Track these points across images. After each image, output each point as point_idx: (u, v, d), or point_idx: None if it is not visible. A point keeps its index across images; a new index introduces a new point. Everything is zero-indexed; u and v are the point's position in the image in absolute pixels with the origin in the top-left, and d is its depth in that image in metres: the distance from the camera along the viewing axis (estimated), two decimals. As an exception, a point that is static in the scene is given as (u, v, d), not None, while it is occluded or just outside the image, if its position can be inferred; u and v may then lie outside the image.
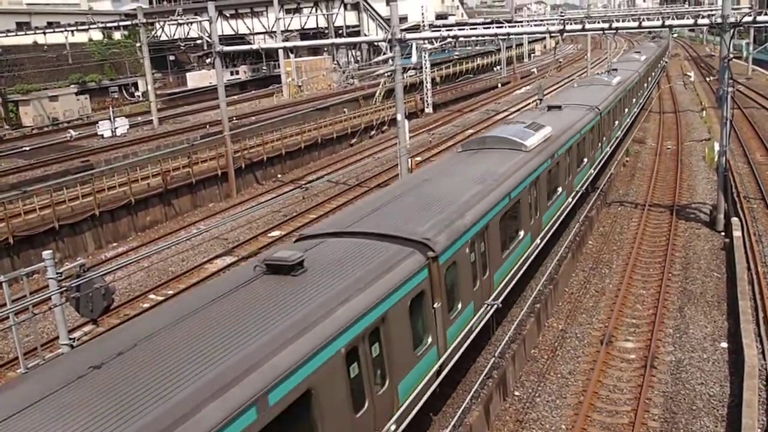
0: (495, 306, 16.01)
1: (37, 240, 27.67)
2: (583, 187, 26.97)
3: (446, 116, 60.62)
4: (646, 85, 53.65)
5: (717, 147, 29.13)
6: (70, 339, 12.52)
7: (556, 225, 22.51)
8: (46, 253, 11.87)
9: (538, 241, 20.27)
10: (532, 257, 19.69)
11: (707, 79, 73.87)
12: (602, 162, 31.73)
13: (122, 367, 8.49)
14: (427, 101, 62.93)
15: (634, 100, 44.31)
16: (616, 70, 42.89)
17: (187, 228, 32.15)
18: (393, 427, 11.36)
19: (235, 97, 65.85)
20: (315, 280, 11.03)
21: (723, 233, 25.55)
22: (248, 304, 10.17)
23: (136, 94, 72.43)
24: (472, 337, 14.85)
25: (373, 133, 52.69)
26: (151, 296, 23.77)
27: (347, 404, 10.13)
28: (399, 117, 30.37)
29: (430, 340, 12.82)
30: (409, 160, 33.25)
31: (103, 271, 12.67)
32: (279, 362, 8.86)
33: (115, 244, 30.60)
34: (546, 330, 19.05)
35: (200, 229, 29.07)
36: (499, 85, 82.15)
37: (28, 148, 43.92)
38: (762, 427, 13.69)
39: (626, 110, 40.04)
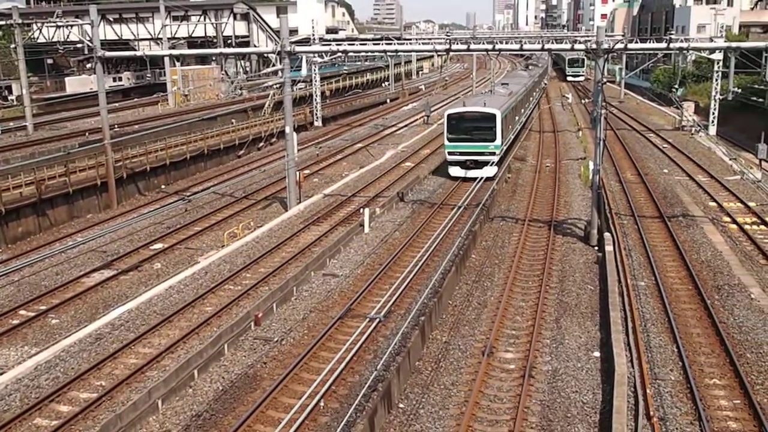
0: (378, 320, 16.16)
1: None
2: None
3: (335, 130, 60.82)
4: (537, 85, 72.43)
5: (591, 166, 30.65)
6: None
7: None
8: None
9: None
10: None
11: (583, 101, 77.76)
12: None
13: None
14: (316, 114, 62.94)
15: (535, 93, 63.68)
16: (507, 84, 54.10)
17: (63, 240, 30.63)
18: None
19: (117, 104, 63.41)
20: None
21: (596, 248, 26.88)
22: None
23: (9, 97, 68.61)
24: None
25: (261, 145, 52.19)
26: (22, 312, 22.45)
27: None
28: (288, 129, 30.27)
29: None
30: (297, 172, 33.17)
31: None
32: None
33: (-18, 257, 28.78)
34: (430, 342, 19.39)
35: (77, 240, 27.83)
36: (388, 100, 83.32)
37: None
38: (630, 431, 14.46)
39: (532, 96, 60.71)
